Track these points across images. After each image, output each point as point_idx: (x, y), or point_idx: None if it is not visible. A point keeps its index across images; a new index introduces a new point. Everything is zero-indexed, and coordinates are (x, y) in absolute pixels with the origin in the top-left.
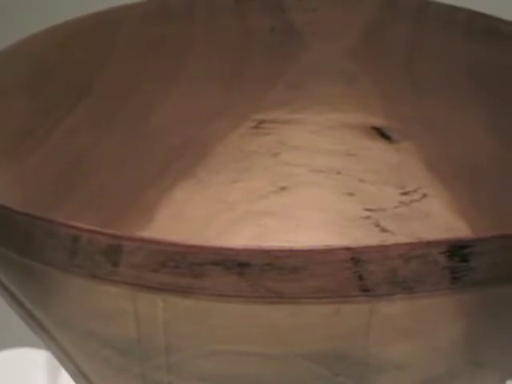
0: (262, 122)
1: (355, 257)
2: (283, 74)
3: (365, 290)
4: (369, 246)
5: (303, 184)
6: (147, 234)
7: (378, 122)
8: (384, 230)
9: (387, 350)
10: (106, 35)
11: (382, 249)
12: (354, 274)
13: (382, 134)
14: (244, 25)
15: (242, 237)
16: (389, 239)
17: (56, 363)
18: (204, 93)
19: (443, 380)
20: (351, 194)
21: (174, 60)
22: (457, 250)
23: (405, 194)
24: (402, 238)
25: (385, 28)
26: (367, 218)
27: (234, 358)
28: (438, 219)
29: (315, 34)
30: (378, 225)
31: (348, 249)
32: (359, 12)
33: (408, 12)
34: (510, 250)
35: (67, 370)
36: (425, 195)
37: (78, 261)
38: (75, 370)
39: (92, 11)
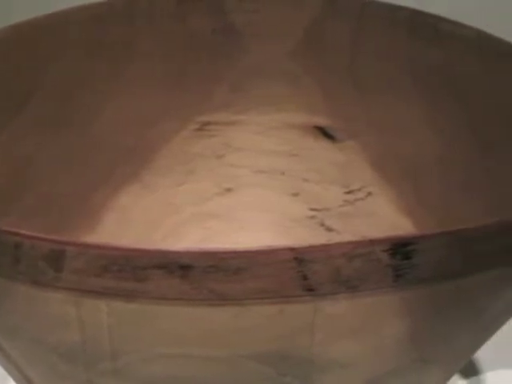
0: (207, 123)
1: (298, 257)
2: (226, 75)
3: (308, 290)
4: (312, 246)
5: (248, 185)
6: (93, 238)
7: (321, 121)
8: (329, 230)
9: (332, 349)
10: (50, 39)
11: (325, 248)
12: (297, 273)
13: (325, 133)
14: (186, 27)
15: (188, 239)
16: (334, 238)
17: (3, 372)
18: (148, 96)
19: (389, 378)
20: (296, 195)
21: (117, 63)
22: (399, 248)
23: (349, 192)
24: (347, 237)
25: (327, 28)
26: (312, 217)
27: (180, 361)
28: (383, 218)
29: (257, 35)
30: (323, 224)
31: (291, 249)
32: (300, 12)
33: (350, 11)
34: (453, 246)
35: (14, 378)
36: (369, 194)
37: (22, 267)
38: (22, 379)
39: (37, 14)
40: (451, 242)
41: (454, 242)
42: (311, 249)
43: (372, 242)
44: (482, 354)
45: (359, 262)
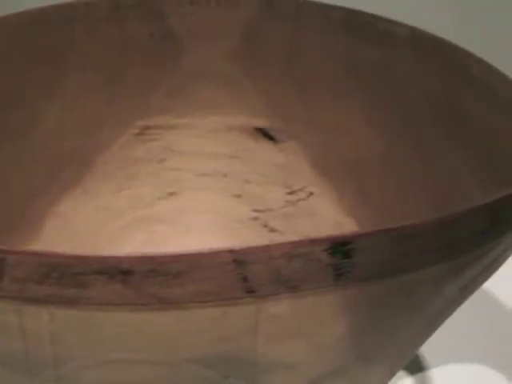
0: (147, 128)
1: (238, 258)
2: (165, 79)
3: (250, 292)
4: (251, 247)
5: (190, 188)
6: (36, 246)
7: (261, 122)
8: (272, 230)
9: (276, 350)
10: None
11: (265, 249)
12: (237, 275)
13: (265, 134)
14: (123, 32)
15: (132, 245)
16: (277, 239)
17: None
18: (86, 102)
19: (334, 376)
20: (238, 196)
21: (54, 70)
22: (339, 247)
23: (291, 193)
24: (290, 238)
25: (264, 29)
26: (255, 218)
27: (124, 367)
28: (326, 217)
29: (195, 38)
30: (266, 225)
31: (230, 251)
32: (237, 14)
33: (286, 12)
34: (392, 244)
35: None
36: (311, 194)
37: None
38: None
39: None
40: (390, 239)
41: (392, 240)
42: (250, 250)
43: (311, 242)
44: (427, 350)
45: (299, 262)
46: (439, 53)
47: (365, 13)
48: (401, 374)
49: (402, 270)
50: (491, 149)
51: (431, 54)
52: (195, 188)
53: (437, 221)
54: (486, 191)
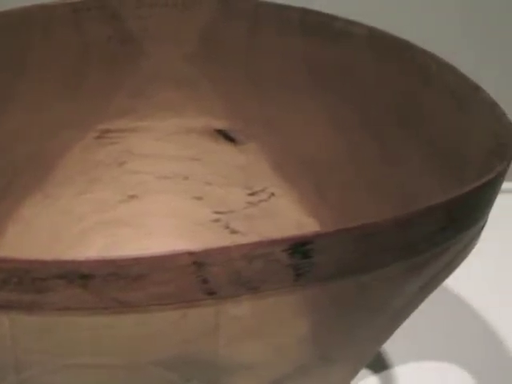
0: (107, 131)
1: (198, 261)
2: (124, 82)
3: (210, 293)
4: (211, 249)
5: (152, 191)
6: None
7: (220, 124)
8: (234, 232)
9: (237, 351)
10: None
11: (224, 251)
12: (197, 277)
13: (226, 136)
14: (82, 35)
15: (94, 248)
16: (239, 240)
17: None
18: (46, 106)
19: (295, 376)
20: (199, 198)
21: (13, 74)
22: (298, 247)
23: (252, 194)
24: (252, 239)
25: (222, 30)
26: (217, 220)
27: (86, 371)
28: (287, 217)
29: (153, 40)
30: (227, 227)
31: (190, 253)
32: (195, 16)
33: (243, 13)
34: (352, 243)
35: None
36: (272, 194)
37: None
38: None
39: None
40: (350, 239)
41: (352, 239)
42: (210, 252)
43: (271, 243)
44: (391, 348)
45: (259, 262)
46: (397, 52)
47: (322, 13)
48: (364, 372)
49: (362, 269)
50: (452, 147)
51: (389, 53)
52: (156, 191)
53: (396, 220)
54: (447, 190)
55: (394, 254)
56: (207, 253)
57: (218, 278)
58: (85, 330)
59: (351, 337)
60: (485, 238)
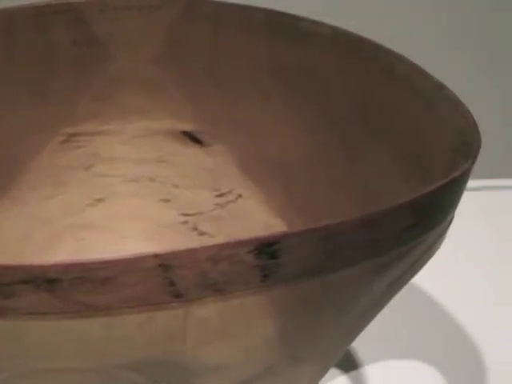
0: (73, 135)
1: (164, 263)
2: (90, 85)
3: (177, 296)
4: (177, 251)
5: (119, 194)
6: None
7: (187, 126)
8: (202, 234)
9: (205, 353)
10: None
11: (190, 252)
12: (164, 280)
13: (192, 138)
14: (46, 39)
15: (62, 252)
16: (207, 242)
17: None
18: (12, 110)
19: (264, 377)
20: (167, 201)
21: None
22: (264, 248)
23: (220, 196)
24: (219, 240)
25: (186, 32)
26: (185, 222)
27: (54, 376)
28: (255, 218)
29: (119, 43)
30: (196, 229)
31: (156, 256)
32: (160, 18)
33: (207, 14)
34: (318, 243)
35: None
36: (240, 196)
37: None
38: None
39: None
40: (316, 239)
41: (318, 239)
42: (176, 254)
43: (236, 244)
44: (361, 348)
45: (225, 264)
46: (362, 52)
47: (286, 13)
48: (334, 372)
49: (328, 269)
50: (417, 146)
51: (354, 53)
52: (124, 194)
53: (362, 219)
54: (413, 189)
55: (360, 253)
56: (173, 255)
57: (184, 280)
58: (53, 334)
59: (319, 336)
60: (451, 236)
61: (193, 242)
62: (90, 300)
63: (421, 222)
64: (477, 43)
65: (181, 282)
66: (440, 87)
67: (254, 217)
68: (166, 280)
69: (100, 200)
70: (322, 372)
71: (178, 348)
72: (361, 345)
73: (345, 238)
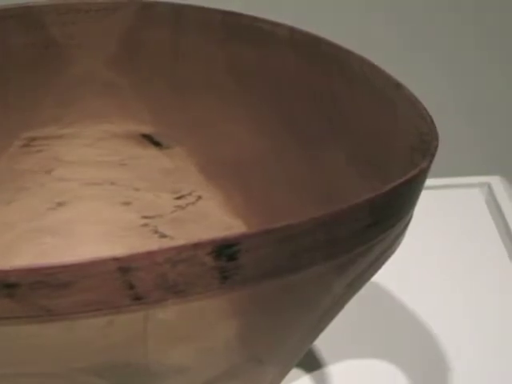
0: (33, 139)
1: (123, 266)
2: (50, 89)
3: (136, 299)
4: (135, 254)
5: (80, 198)
6: None
7: (146, 129)
8: (163, 236)
9: (167, 356)
10: None
11: (149, 255)
12: (123, 283)
13: (152, 140)
14: (4, 43)
15: (23, 257)
16: (167, 244)
17: None
18: None
19: (225, 379)
20: (127, 204)
21: None
22: (223, 250)
23: (180, 198)
24: (180, 242)
25: (145, 34)
26: (145, 225)
27: (15, 381)
28: (215, 220)
29: (77, 47)
30: (156, 231)
31: (115, 259)
32: (118, 21)
33: (165, 17)
34: (277, 244)
35: None
36: (200, 198)
37: None
38: None
39: None
40: (274, 239)
41: (277, 240)
42: (135, 257)
43: (195, 246)
44: (324, 347)
45: (184, 266)
46: (320, 52)
47: (244, 14)
48: (298, 372)
49: (288, 270)
50: (376, 146)
51: (312, 53)
52: (84, 197)
53: (320, 219)
54: (372, 188)
55: (320, 253)
56: (132, 258)
57: (143, 282)
58: (14, 339)
59: (280, 337)
60: (411, 235)
61: (153, 244)
62: (50, 304)
63: (380, 220)
64: (431, 42)
65: (140, 284)
66: (398, 86)
67: (215, 218)
68: (126, 283)
69: (61, 204)
70: (284, 372)
71: (139, 351)
72: (324, 344)
73: (303, 238)
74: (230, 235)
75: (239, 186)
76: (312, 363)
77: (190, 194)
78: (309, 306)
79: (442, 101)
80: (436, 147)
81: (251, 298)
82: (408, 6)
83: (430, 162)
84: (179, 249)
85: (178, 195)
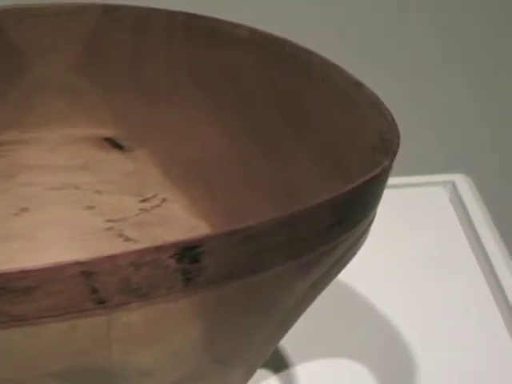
0: None
1: (86, 270)
2: (10, 94)
3: (100, 303)
4: (98, 258)
5: (43, 203)
6: None
7: (108, 132)
8: (128, 239)
9: (131, 359)
10: None
11: (112, 259)
12: (86, 287)
13: (114, 144)
14: None
15: None
16: (131, 248)
17: None
18: None
19: (190, 381)
20: (91, 208)
21: None
22: (186, 252)
23: (144, 201)
24: (143, 245)
25: (106, 38)
26: (110, 229)
27: None
28: (180, 222)
29: (38, 50)
30: (121, 235)
31: (77, 263)
32: (79, 24)
33: (127, 20)
34: (239, 244)
35: None
36: (164, 200)
37: None
38: None
39: None
40: (237, 240)
41: (239, 241)
42: (97, 261)
43: (158, 249)
44: (291, 347)
45: (147, 269)
46: (281, 52)
47: (205, 16)
48: (265, 373)
49: (251, 271)
50: (338, 145)
51: (273, 53)
52: (48, 202)
53: (282, 219)
54: (335, 187)
55: (282, 253)
56: (95, 262)
57: (106, 286)
58: None
59: (245, 338)
60: (376, 234)
61: (118, 248)
62: (13, 310)
63: (342, 220)
64: (393, 41)
65: (103, 288)
66: (359, 86)
67: (179, 220)
68: (89, 287)
69: (25, 209)
70: (250, 373)
71: (104, 355)
72: (291, 344)
73: (266, 239)
74: (192, 237)
75: (203, 188)
76: (279, 363)
77: (154, 196)
78: (273, 307)
79: (405, 100)
80: (397, 146)
81: (215, 299)
82: (367, 5)
83: (392, 160)
84: (142, 252)
85: (142, 198)
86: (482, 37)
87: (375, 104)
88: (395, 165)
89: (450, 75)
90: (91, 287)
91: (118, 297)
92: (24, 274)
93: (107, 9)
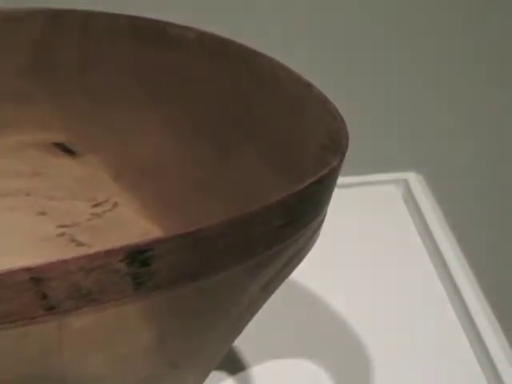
0: None
1: (35, 276)
2: None
3: (49, 309)
4: (47, 264)
5: None
6: None
7: (58, 137)
8: (80, 244)
9: (84, 364)
10: None
11: (61, 264)
12: (36, 293)
13: (64, 149)
14: None
15: None
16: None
17: None
18: None
19: None
20: (43, 214)
21: None
22: (136, 256)
23: (96, 205)
24: (93, 250)
25: (54, 43)
26: (62, 234)
27: None
28: (132, 226)
29: None
30: (73, 240)
31: (26, 269)
32: (26, 29)
33: (74, 24)
34: (188, 247)
35: None
36: (116, 204)
37: None
38: None
39: None
40: (186, 243)
41: (189, 244)
42: (46, 267)
43: (107, 253)
44: (246, 349)
45: (97, 274)
46: (229, 54)
47: (153, 19)
48: (220, 374)
49: (202, 274)
50: (287, 145)
51: (221, 55)
52: (0, 209)
53: (231, 221)
54: (284, 188)
55: (233, 255)
56: (44, 267)
57: (56, 292)
58: None
59: (198, 342)
60: (329, 233)
61: (71, 253)
62: None
63: (292, 220)
64: (343, 42)
65: (53, 294)
66: (307, 86)
67: (132, 225)
68: (38, 293)
69: None
70: (204, 375)
71: (56, 361)
72: (246, 346)
73: (217, 241)
74: (141, 241)
75: (155, 191)
76: (235, 365)
77: (106, 201)
78: (225, 309)
79: (355, 99)
80: (346, 145)
81: (166, 303)
82: (318, 6)
83: (341, 160)
84: (92, 257)
85: (94, 203)
86: (420, 29)
87: (324, 104)
88: (350, 164)
89: (400, 73)
90: (41, 293)
91: (69, 302)
92: None
93: (54, 14)
